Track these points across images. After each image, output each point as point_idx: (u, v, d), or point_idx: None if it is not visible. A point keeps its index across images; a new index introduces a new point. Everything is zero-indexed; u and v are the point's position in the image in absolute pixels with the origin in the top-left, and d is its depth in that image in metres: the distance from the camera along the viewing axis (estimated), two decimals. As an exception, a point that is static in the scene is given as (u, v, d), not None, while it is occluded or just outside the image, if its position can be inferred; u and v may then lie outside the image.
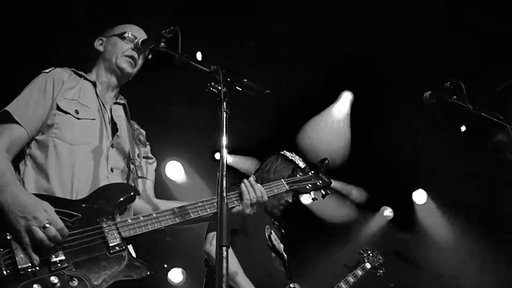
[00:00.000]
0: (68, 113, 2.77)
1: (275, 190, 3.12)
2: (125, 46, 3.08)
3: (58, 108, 2.76)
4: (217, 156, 8.23)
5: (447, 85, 3.23)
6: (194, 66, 2.62)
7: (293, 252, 4.33)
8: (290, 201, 4.31)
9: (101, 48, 3.15)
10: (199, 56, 5.90)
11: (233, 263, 3.66)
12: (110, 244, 2.44)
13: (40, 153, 2.70)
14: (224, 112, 2.33)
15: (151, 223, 2.61)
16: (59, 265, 2.31)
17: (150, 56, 3.23)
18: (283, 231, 4.44)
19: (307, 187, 3.29)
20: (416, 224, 8.89)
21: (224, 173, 2.19)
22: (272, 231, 4.18)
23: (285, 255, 4.18)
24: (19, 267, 2.25)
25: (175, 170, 8.18)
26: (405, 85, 6.75)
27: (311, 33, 6.49)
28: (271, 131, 7.62)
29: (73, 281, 2.29)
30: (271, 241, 4.08)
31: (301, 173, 3.34)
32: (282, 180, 3.21)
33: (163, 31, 2.76)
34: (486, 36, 6.05)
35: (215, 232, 3.80)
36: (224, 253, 1.97)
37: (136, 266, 2.46)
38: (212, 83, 2.43)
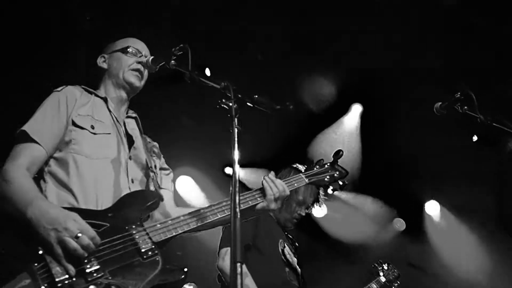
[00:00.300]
0: (85, 129, 2.81)
1: (295, 184, 3.14)
2: (129, 60, 3.12)
3: (74, 124, 2.80)
4: (227, 170, 8.27)
5: (457, 96, 3.22)
6: (205, 83, 2.64)
7: (307, 267, 4.31)
8: (303, 214, 4.33)
9: (105, 66, 3.18)
10: (207, 72, 5.93)
11: (247, 280, 3.66)
12: (143, 250, 2.46)
13: (61, 170, 2.71)
14: (236, 128, 2.34)
15: (180, 226, 2.63)
16: (95, 274, 2.30)
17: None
18: (296, 244, 4.43)
19: (325, 179, 3.30)
20: (428, 235, 8.82)
21: (237, 189, 2.19)
22: (286, 245, 4.17)
23: (298, 269, 4.17)
24: (57, 279, 2.23)
25: (185, 185, 8.19)
26: (416, 96, 6.72)
27: (319, 46, 6.50)
28: (281, 144, 7.61)
29: None
30: (285, 256, 4.07)
31: (317, 166, 3.35)
32: (301, 174, 3.23)
33: (173, 49, 2.77)
34: (499, 44, 6.02)
35: (227, 248, 3.82)
36: (239, 269, 1.96)
37: (170, 269, 2.48)
38: (223, 100, 2.45)
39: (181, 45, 2.73)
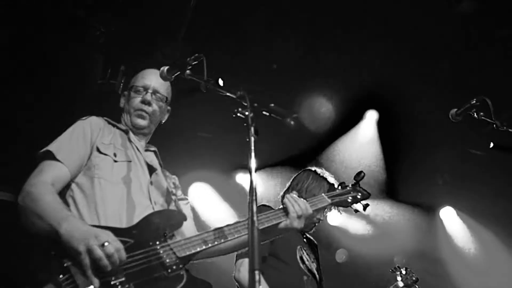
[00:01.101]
0: (108, 155, 2.89)
1: (319, 205, 3.16)
2: (134, 101, 3.18)
3: (98, 151, 2.89)
4: (238, 178, 8.29)
5: (473, 102, 3.21)
6: (221, 92, 2.65)
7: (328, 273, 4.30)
8: (322, 219, 4.29)
9: (122, 105, 3.29)
10: (221, 82, 5.95)
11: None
12: (167, 264, 2.50)
13: (84, 195, 2.77)
14: (252, 137, 2.34)
15: (204, 241, 2.65)
16: (119, 286, 2.35)
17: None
18: (315, 243, 4.43)
19: (348, 200, 3.33)
20: (444, 241, 8.74)
21: (254, 197, 2.19)
22: (304, 251, 4.15)
23: (317, 275, 4.15)
24: None
25: (199, 193, 8.21)
26: (431, 102, 6.70)
27: (333, 53, 6.52)
28: (295, 152, 7.64)
29: None
30: (303, 262, 4.06)
31: (339, 188, 3.40)
32: (323, 194, 3.25)
33: (188, 59, 2.79)
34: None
35: (243, 259, 3.82)
36: (257, 277, 1.97)
37: (196, 283, 2.54)
38: (239, 109, 2.45)
39: (196, 54, 2.76)
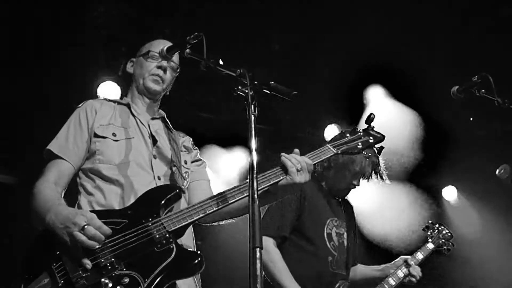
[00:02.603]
0: (106, 137, 2.91)
1: (322, 156, 2.93)
2: (150, 65, 3.17)
3: (96, 136, 2.92)
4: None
5: (475, 79, 3.19)
6: (221, 71, 2.64)
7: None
8: (358, 185, 4.10)
9: (131, 70, 3.28)
10: (221, 62, 5.94)
11: (279, 264, 3.65)
12: (157, 240, 2.51)
13: (90, 180, 2.86)
14: (252, 115, 2.34)
15: (194, 212, 2.63)
16: (109, 267, 2.41)
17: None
18: (352, 206, 4.33)
19: (358, 146, 3.04)
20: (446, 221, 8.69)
21: (255, 175, 2.20)
22: (334, 225, 4.01)
23: (346, 249, 4.02)
24: (71, 275, 2.38)
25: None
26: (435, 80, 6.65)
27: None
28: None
29: (125, 279, 2.38)
30: (331, 239, 3.93)
31: (348, 135, 3.12)
32: (327, 144, 2.99)
33: (187, 37, 2.78)
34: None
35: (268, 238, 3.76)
36: (258, 254, 1.98)
37: (185, 255, 2.53)
38: (239, 87, 2.45)
39: (196, 33, 2.74)
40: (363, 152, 3.10)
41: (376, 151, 3.18)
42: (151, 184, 2.83)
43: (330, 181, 4.13)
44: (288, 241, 3.83)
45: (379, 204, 8.12)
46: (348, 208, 4.32)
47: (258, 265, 1.97)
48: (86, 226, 2.37)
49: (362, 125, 3.22)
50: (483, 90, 3.19)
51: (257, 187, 2.18)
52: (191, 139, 3.36)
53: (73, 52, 5.97)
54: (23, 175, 5.91)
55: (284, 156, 2.79)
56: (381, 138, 3.16)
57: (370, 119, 3.16)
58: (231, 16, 6.08)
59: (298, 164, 2.75)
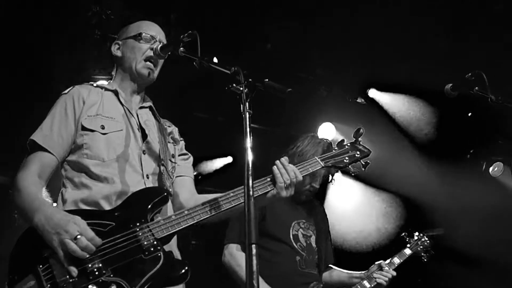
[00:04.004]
0: (94, 131, 2.81)
1: (310, 169, 2.92)
2: (143, 47, 3.02)
3: (83, 128, 2.81)
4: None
5: (468, 76, 3.20)
6: (215, 69, 2.63)
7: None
8: (317, 187, 4.11)
9: (119, 53, 3.11)
10: (215, 60, 5.95)
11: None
12: (145, 247, 2.48)
13: (78, 174, 2.77)
14: (247, 112, 2.34)
15: (183, 220, 2.61)
16: (96, 273, 2.38)
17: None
18: (320, 207, 4.33)
19: (345, 160, 3.04)
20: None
21: (250, 172, 2.21)
22: (300, 227, 4.04)
23: (316, 249, 4.05)
24: (57, 280, 2.35)
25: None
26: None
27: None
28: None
29: (112, 286, 2.36)
30: (298, 241, 3.98)
31: (336, 148, 3.12)
32: (315, 157, 2.99)
33: (181, 36, 2.76)
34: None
35: (228, 244, 3.88)
36: (254, 251, 1.99)
37: (173, 263, 2.50)
38: (234, 85, 2.45)
39: (190, 31, 2.72)
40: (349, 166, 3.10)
41: (362, 165, 3.16)
42: (140, 183, 2.77)
43: None
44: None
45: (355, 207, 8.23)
46: (317, 210, 4.33)
47: (255, 261, 1.98)
48: (78, 237, 2.36)
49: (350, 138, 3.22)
50: (476, 88, 3.20)
51: (252, 185, 2.18)
52: (177, 129, 3.27)
53: (67, 51, 5.96)
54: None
55: (277, 168, 2.79)
56: (368, 153, 3.15)
57: (358, 133, 3.16)
58: (225, 15, 6.07)
59: (288, 180, 2.76)
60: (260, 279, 3.62)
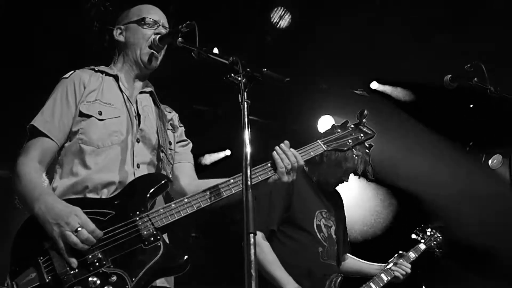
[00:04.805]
0: (92, 116, 2.78)
1: (312, 153, 2.88)
2: (147, 33, 2.97)
3: (81, 114, 2.78)
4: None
5: (467, 68, 3.19)
6: (213, 59, 2.62)
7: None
8: (347, 181, 4.15)
9: (121, 38, 3.05)
10: (216, 51, 5.95)
11: (269, 256, 3.67)
12: (144, 237, 2.47)
13: (69, 160, 2.75)
14: (245, 103, 2.34)
15: (183, 208, 2.59)
16: (97, 264, 2.38)
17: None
18: (339, 198, 4.35)
19: (348, 143, 2.99)
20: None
21: (248, 162, 2.21)
22: (323, 216, 4.03)
23: (336, 240, 4.05)
24: (58, 272, 2.35)
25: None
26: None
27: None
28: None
29: (112, 277, 2.36)
30: (321, 231, 3.96)
31: (339, 130, 3.06)
32: (318, 141, 2.93)
33: (180, 26, 2.75)
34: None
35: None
36: (251, 240, 1.99)
37: (172, 253, 2.48)
38: (232, 74, 2.44)
39: (188, 22, 2.71)
40: (353, 150, 3.08)
41: (366, 147, 3.15)
42: (129, 171, 2.74)
43: (320, 176, 4.14)
44: (278, 232, 3.84)
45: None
46: (337, 200, 4.34)
47: (252, 251, 1.98)
48: (79, 229, 2.36)
49: (354, 120, 3.17)
50: (475, 79, 3.19)
51: (250, 175, 2.18)
52: (177, 115, 3.24)
53: (65, 44, 5.95)
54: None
55: (277, 153, 2.75)
56: (372, 134, 3.12)
57: (362, 115, 3.12)
58: (224, 7, 6.05)
59: (289, 165, 2.72)
60: (282, 268, 3.67)
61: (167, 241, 2.58)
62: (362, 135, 3.08)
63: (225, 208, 2.83)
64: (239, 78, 2.40)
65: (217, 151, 8.49)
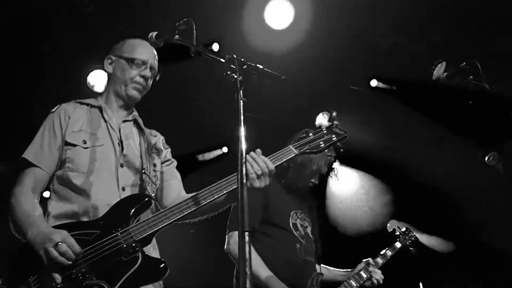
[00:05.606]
0: (77, 145, 2.99)
1: (284, 158, 2.91)
2: (133, 72, 3.19)
3: (67, 143, 3.00)
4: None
5: (463, 65, 3.21)
6: (210, 56, 2.65)
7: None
8: (316, 182, 4.21)
9: (110, 69, 3.27)
10: (216, 47, 6.00)
11: (254, 258, 3.67)
12: (124, 250, 2.65)
13: (62, 187, 2.96)
14: (241, 100, 2.36)
15: (160, 220, 2.73)
16: (81, 277, 2.58)
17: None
18: (313, 202, 4.40)
19: (320, 144, 3.04)
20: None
21: (244, 160, 2.23)
22: (298, 217, 4.12)
23: (313, 239, 4.12)
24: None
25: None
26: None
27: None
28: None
29: None
30: (297, 229, 4.04)
31: (311, 134, 3.10)
32: (290, 146, 2.98)
33: (177, 23, 2.77)
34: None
35: (232, 232, 3.90)
36: (247, 238, 2.00)
37: (151, 262, 2.68)
38: (228, 72, 2.47)
39: (185, 19, 2.73)
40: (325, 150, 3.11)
41: (339, 147, 3.22)
42: (115, 194, 2.91)
43: (289, 179, 4.22)
44: (257, 232, 3.91)
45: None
46: (311, 205, 4.42)
47: (247, 249, 1.99)
48: (59, 243, 2.55)
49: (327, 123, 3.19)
50: (471, 76, 3.21)
51: (246, 172, 2.22)
52: (163, 138, 3.42)
53: (63, 40, 5.95)
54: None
55: (247, 161, 2.78)
56: (344, 135, 3.15)
57: (332, 117, 3.17)
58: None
59: (259, 171, 2.76)
60: (264, 266, 3.73)
61: (149, 252, 2.76)
62: (334, 136, 3.11)
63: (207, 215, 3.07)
64: (235, 76, 2.43)
65: (215, 148, 8.50)
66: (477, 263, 7.37)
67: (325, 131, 3.13)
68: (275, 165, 2.83)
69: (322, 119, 7.85)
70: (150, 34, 2.96)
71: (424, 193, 7.82)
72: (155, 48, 3.13)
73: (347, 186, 8.51)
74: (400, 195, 8.26)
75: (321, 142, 3.06)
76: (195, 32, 2.69)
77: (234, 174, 2.79)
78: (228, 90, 2.46)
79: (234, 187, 2.77)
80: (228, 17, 6.01)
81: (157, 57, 3.29)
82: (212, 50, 2.69)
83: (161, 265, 2.67)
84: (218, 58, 2.59)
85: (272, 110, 7.49)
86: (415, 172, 7.70)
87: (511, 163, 6.68)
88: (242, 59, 2.52)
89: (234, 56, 2.51)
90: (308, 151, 3.02)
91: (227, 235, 3.95)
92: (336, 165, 4.33)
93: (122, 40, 3.34)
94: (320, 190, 4.46)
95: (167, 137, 3.44)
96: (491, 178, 7.30)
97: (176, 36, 2.75)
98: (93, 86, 6.46)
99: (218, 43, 6.04)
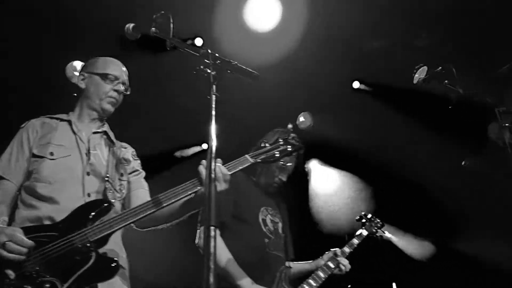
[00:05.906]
0: (43, 157, 3.10)
1: (239, 166, 3.02)
2: (107, 87, 3.34)
3: (34, 156, 3.12)
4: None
5: (438, 70, 3.25)
6: (185, 50, 2.66)
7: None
8: (284, 179, 4.27)
9: (83, 85, 3.39)
10: (199, 42, 6.00)
11: (223, 253, 3.72)
12: (78, 250, 2.71)
13: (29, 196, 3.05)
14: (214, 95, 2.35)
15: (116, 222, 2.79)
16: (34, 275, 2.65)
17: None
18: (283, 202, 4.43)
19: (275, 154, 3.19)
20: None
21: (213, 155, 2.23)
22: (268, 213, 4.16)
23: (282, 236, 4.16)
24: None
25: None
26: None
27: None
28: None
29: (46, 285, 2.63)
30: (266, 225, 4.07)
31: (267, 145, 3.24)
32: (246, 155, 3.11)
33: (154, 16, 2.76)
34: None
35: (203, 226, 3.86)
36: (212, 233, 2.00)
37: (103, 261, 2.75)
38: (201, 67, 2.47)
39: (162, 12, 2.73)
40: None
41: (295, 157, 3.37)
42: (80, 200, 2.99)
43: (258, 175, 4.27)
44: (226, 227, 3.92)
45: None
46: (280, 203, 4.43)
47: (212, 243, 1.98)
48: (6, 243, 2.64)
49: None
50: (446, 81, 3.25)
51: (214, 168, 2.20)
52: (133, 150, 3.54)
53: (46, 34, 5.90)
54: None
55: (203, 167, 2.86)
56: (299, 146, 3.30)
57: (288, 130, 3.37)
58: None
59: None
60: (234, 263, 3.73)
61: (104, 252, 2.80)
62: (290, 147, 3.26)
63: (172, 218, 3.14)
64: (209, 71, 2.43)
65: (194, 145, 8.47)
66: (453, 266, 7.46)
67: (281, 142, 3.28)
68: (230, 172, 2.92)
69: (302, 119, 7.88)
70: (127, 26, 2.96)
71: (405, 192, 7.88)
72: (132, 40, 3.09)
73: (328, 185, 8.55)
74: (380, 194, 8.32)
75: (277, 153, 3.21)
76: (172, 26, 2.69)
77: (193, 179, 2.85)
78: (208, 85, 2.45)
79: (189, 192, 2.84)
80: (212, 14, 6.03)
81: (127, 73, 3.45)
82: (188, 44, 2.65)
83: (113, 264, 2.75)
84: (193, 52, 2.59)
85: (252, 110, 7.47)
86: (396, 172, 7.75)
87: (488, 166, 6.74)
88: (217, 54, 2.53)
89: (209, 50, 2.51)
90: (264, 159, 3.16)
91: (198, 230, 3.96)
92: (313, 165, 4.36)
93: (93, 58, 3.48)
94: (302, 189, 4.48)
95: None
96: (469, 179, 7.38)
97: (153, 28, 2.75)
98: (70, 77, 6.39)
99: (202, 38, 6.08)
